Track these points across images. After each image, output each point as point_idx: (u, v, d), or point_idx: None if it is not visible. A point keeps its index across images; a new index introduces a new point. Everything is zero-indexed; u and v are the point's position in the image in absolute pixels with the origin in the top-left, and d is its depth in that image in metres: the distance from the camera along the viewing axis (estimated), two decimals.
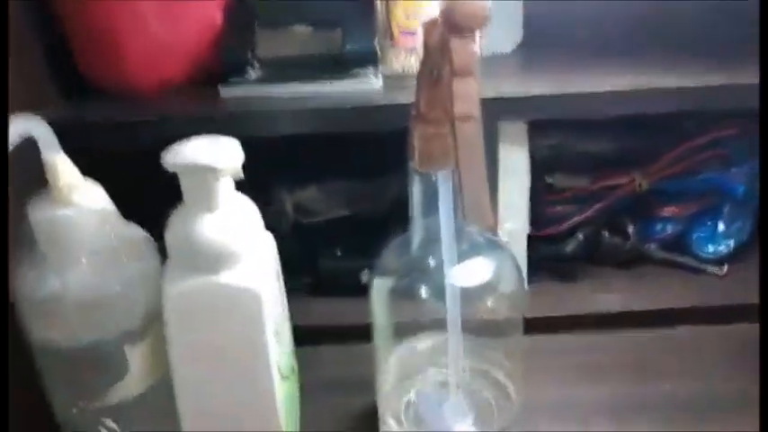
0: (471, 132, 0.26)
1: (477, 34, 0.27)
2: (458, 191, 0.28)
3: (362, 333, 0.38)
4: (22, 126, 0.32)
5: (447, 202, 0.32)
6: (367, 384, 0.39)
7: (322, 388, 0.44)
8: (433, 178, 0.32)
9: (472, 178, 0.26)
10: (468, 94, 0.26)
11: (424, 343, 0.40)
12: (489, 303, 0.36)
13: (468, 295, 0.35)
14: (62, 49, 0.45)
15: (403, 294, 0.36)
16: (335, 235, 0.53)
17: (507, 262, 0.37)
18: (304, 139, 0.44)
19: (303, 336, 0.43)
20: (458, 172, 0.26)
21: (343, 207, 0.54)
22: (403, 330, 0.39)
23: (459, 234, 0.34)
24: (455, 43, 0.26)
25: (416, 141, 0.32)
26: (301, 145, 0.51)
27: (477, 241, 0.36)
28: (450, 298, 0.34)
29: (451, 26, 0.25)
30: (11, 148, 0.32)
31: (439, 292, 0.34)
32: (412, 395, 0.40)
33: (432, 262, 0.35)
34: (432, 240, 0.34)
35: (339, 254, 0.52)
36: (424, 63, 0.29)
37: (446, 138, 0.29)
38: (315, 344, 0.45)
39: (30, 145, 0.33)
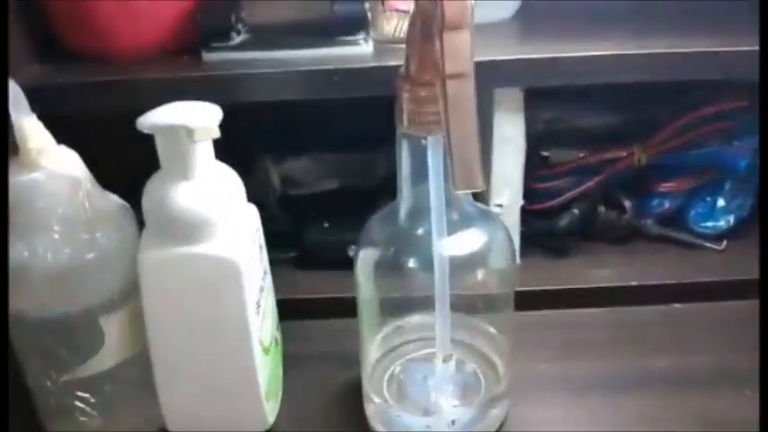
0: (462, 91, 0.25)
1: None
2: (447, 153, 0.26)
3: (349, 306, 0.37)
4: None
5: (437, 167, 0.31)
6: (352, 358, 0.39)
7: (307, 361, 0.43)
8: (423, 143, 0.31)
9: (462, 138, 0.24)
10: (460, 50, 0.25)
11: (410, 316, 0.39)
12: (479, 276, 0.35)
13: (458, 268, 0.33)
14: (36, 10, 0.43)
15: (389, 266, 0.35)
16: (323, 207, 0.52)
17: (499, 233, 0.35)
18: (293, 108, 0.42)
19: (288, 309, 0.42)
20: (447, 132, 0.24)
21: (332, 179, 0.53)
22: (389, 303, 0.38)
23: (449, 203, 0.32)
24: None
25: (405, 104, 0.30)
26: (290, 115, 0.50)
27: (468, 212, 0.34)
28: (438, 268, 0.32)
29: None
30: None
31: (427, 263, 0.33)
32: (397, 369, 0.39)
33: (420, 232, 0.34)
34: (420, 210, 0.33)
35: (326, 226, 0.51)
36: (414, 16, 0.28)
37: (437, 100, 0.27)
38: (300, 317, 0.45)
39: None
